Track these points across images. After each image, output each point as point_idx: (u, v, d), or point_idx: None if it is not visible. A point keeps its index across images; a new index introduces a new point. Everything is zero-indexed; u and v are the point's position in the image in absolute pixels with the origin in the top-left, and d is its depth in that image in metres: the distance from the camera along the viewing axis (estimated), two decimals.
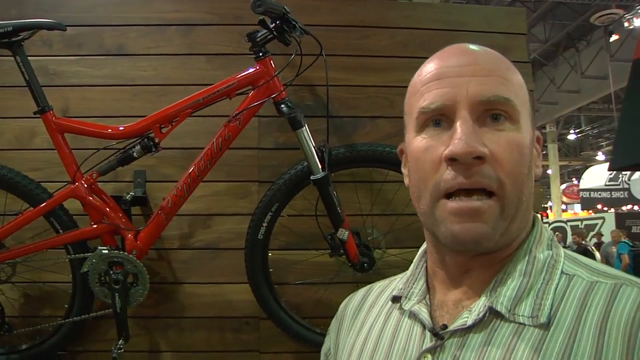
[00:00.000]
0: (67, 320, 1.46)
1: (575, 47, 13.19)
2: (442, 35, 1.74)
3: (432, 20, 1.77)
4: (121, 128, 1.40)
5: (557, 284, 0.54)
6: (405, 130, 0.63)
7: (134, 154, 1.39)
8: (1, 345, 1.51)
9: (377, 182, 1.65)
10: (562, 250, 0.58)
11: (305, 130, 1.39)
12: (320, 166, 1.40)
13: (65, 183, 1.43)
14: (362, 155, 1.48)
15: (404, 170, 0.66)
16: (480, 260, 0.57)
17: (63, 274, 1.51)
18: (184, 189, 1.42)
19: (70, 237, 1.42)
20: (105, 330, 1.57)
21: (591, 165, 18.30)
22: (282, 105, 1.40)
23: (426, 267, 0.65)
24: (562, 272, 0.55)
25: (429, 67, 0.59)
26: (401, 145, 0.65)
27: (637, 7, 10.20)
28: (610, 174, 15.06)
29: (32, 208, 1.41)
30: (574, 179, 21.32)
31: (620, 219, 10.99)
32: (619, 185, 15.44)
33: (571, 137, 18.86)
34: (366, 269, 1.45)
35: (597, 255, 8.03)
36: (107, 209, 1.42)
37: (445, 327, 0.56)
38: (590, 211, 14.75)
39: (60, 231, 1.43)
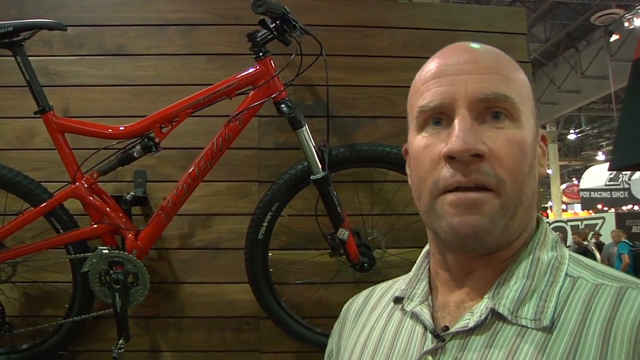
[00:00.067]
0: (67, 320, 1.46)
1: (576, 47, 13.19)
2: (442, 35, 1.74)
3: (432, 20, 1.77)
4: (121, 128, 1.40)
5: (561, 287, 0.53)
6: (408, 130, 0.63)
7: (134, 153, 1.39)
8: (2, 345, 1.51)
9: (377, 182, 1.65)
10: (566, 252, 0.58)
11: (306, 130, 1.40)
12: (320, 166, 1.40)
13: (66, 183, 1.44)
14: (362, 155, 1.48)
15: (407, 170, 0.65)
16: (483, 260, 0.57)
17: (63, 274, 1.51)
18: (184, 189, 1.42)
19: (70, 237, 1.42)
20: (105, 330, 1.57)
21: (591, 165, 18.31)
22: (282, 105, 1.40)
23: (429, 269, 0.64)
24: (566, 274, 0.54)
25: (430, 66, 0.59)
26: (405, 145, 0.65)
27: (638, 7, 10.20)
28: (611, 174, 15.06)
29: (32, 208, 1.42)
30: (574, 179, 21.32)
31: (621, 219, 10.98)
32: (619, 185, 15.44)
33: (571, 137, 18.85)
34: (366, 269, 1.45)
35: (598, 255, 8.03)
36: (108, 209, 1.42)
37: (446, 328, 0.55)
38: (591, 211, 14.75)
39: (61, 231, 1.43)
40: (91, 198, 1.41)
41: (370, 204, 1.65)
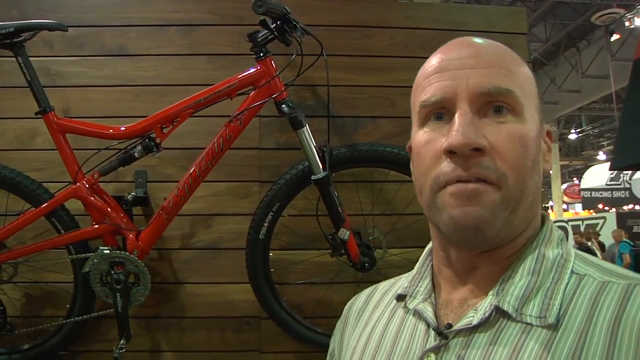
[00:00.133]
0: (68, 320, 1.47)
1: (576, 47, 13.18)
2: (442, 35, 1.73)
3: (432, 20, 1.77)
4: (122, 128, 1.41)
5: (567, 284, 0.53)
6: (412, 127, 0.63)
7: (135, 154, 1.39)
8: (3, 345, 1.51)
9: (378, 182, 1.65)
10: (572, 250, 0.57)
11: (306, 130, 1.40)
12: (321, 166, 1.40)
13: (67, 183, 1.44)
14: (363, 155, 1.48)
15: (411, 166, 0.65)
16: (486, 257, 0.56)
17: (64, 274, 1.51)
18: (185, 189, 1.42)
19: (71, 237, 1.42)
20: (106, 330, 1.58)
21: (592, 165, 18.28)
22: (283, 105, 1.40)
23: (432, 266, 0.64)
24: (572, 271, 0.54)
25: (432, 61, 0.59)
26: (409, 141, 0.64)
27: (638, 7, 10.17)
28: (612, 174, 15.05)
29: (33, 208, 1.42)
30: (575, 179, 21.29)
31: (622, 218, 10.95)
32: (620, 184, 15.43)
33: (572, 136, 18.82)
34: (367, 269, 1.45)
35: (599, 254, 8.02)
36: (109, 209, 1.42)
37: (449, 326, 0.55)
38: (592, 211, 14.73)
39: (62, 231, 1.43)
40: (92, 198, 1.41)
41: (371, 203, 1.65)
